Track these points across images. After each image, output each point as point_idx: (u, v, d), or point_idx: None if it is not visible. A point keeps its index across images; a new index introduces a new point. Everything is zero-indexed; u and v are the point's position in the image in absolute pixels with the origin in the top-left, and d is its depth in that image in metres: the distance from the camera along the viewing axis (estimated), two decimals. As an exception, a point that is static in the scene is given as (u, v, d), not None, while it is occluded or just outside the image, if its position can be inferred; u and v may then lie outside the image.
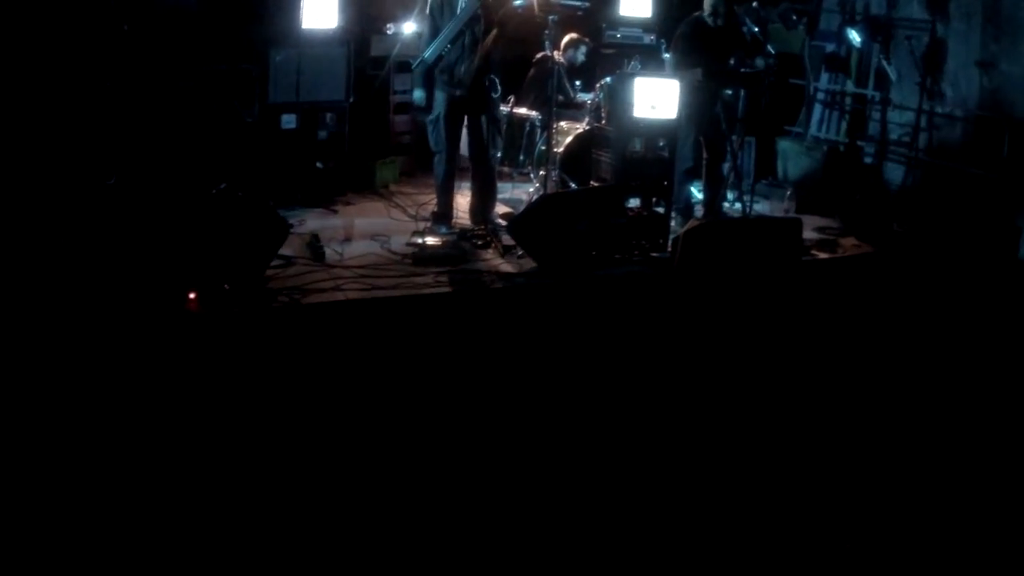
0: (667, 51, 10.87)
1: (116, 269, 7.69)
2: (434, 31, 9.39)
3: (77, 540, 5.49)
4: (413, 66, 9.77)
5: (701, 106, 10.25)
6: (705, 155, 10.50)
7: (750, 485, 6.58)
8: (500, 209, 10.22)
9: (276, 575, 5.42)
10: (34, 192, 8.14)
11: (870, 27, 12.27)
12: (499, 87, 9.61)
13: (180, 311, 7.59)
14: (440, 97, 9.52)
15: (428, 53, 9.31)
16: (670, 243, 9.39)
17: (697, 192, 10.93)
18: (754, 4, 11.60)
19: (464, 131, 9.83)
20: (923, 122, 11.58)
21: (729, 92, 10.70)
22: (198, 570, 5.40)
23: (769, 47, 10.88)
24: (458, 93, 9.36)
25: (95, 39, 9.10)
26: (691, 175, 10.56)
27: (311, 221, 9.81)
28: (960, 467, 6.95)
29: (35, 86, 8.68)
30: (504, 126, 10.43)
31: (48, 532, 5.53)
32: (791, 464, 6.86)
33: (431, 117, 9.68)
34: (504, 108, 10.64)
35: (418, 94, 9.85)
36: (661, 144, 10.13)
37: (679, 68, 10.28)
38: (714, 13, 10.28)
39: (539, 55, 11.17)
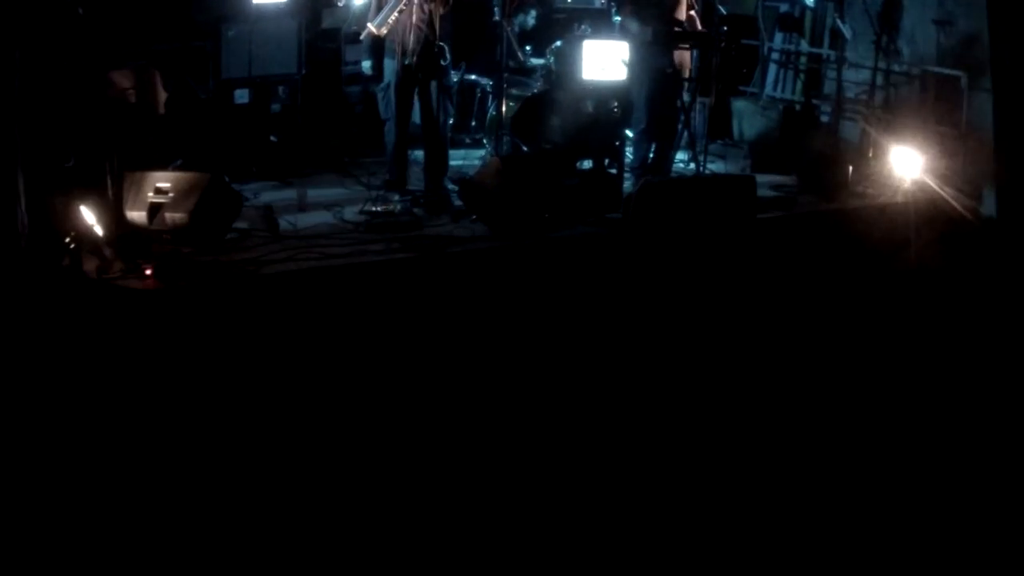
0: (617, 14, 10.88)
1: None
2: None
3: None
4: (361, 36, 9.79)
5: (653, 65, 10.27)
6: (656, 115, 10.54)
7: (705, 443, 6.66)
8: (453, 175, 10.24)
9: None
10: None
11: (824, -14, 12.33)
12: (448, 55, 9.63)
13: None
14: (390, 65, 9.54)
15: (376, 21, 9.34)
16: (623, 203, 9.44)
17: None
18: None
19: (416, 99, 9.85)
20: (879, 80, 11.61)
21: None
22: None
23: (721, 8, 10.93)
24: (407, 61, 9.38)
25: (51, 23, 9.09)
26: (648, 135, 10.58)
27: (265, 194, 9.82)
28: (922, 425, 7.03)
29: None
30: (455, 93, 10.47)
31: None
32: (747, 425, 6.93)
33: (381, 86, 9.72)
34: (454, 74, 10.69)
35: (366, 63, 9.88)
36: (612, 106, 10.18)
37: (636, 23, 10.28)
38: None
39: (489, 21, 11.19)
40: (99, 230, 7.89)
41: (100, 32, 9.24)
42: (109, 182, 8.20)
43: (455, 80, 10.72)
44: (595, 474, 6.33)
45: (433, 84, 9.58)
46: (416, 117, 9.90)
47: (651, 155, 10.65)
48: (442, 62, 9.56)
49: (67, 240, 7.76)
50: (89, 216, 7.87)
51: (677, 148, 10.79)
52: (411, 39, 9.33)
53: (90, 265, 7.84)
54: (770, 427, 6.96)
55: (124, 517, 5.69)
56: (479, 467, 6.35)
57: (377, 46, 9.58)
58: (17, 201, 7.71)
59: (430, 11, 9.27)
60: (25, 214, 7.72)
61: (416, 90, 9.62)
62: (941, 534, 5.99)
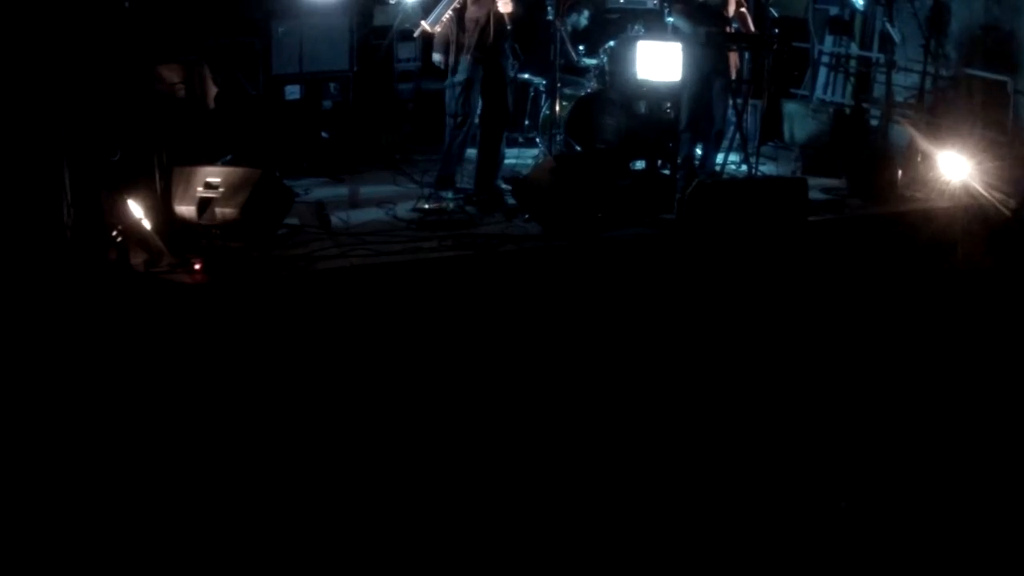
0: (670, 15, 10.83)
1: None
2: None
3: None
4: (415, 34, 9.77)
5: (701, 66, 10.19)
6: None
7: (756, 452, 6.58)
8: (506, 174, 10.21)
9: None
10: (39, 171, 8.14)
11: (873, -10, 12.26)
12: (520, 53, 9.62)
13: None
14: (464, 62, 9.45)
15: (430, 19, 9.30)
16: (676, 203, 9.37)
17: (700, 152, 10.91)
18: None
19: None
20: (928, 84, 11.54)
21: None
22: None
23: (772, 11, 10.86)
24: (481, 57, 9.36)
25: (97, 16, 9.11)
26: (689, 134, 10.52)
27: (317, 190, 9.86)
28: (967, 427, 6.93)
29: (38, 65, 8.69)
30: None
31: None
32: (798, 432, 6.85)
33: (454, 80, 9.53)
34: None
35: (437, 56, 9.76)
36: (665, 106, 10.13)
37: (688, 25, 10.21)
38: None
39: (543, 20, 11.16)
40: (147, 224, 7.87)
41: (147, 26, 9.26)
42: (157, 176, 8.20)
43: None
44: (637, 476, 6.26)
45: (502, 82, 9.59)
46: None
47: (698, 152, 10.61)
48: (512, 59, 9.55)
49: (114, 234, 7.74)
50: (136, 210, 7.86)
51: (729, 150, 10.71)
52: (489, 37, 9.30)
53: (138, 259, 7.84)
54: (819, 429, 6.88)
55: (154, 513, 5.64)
56: (521, 466, 6.27)
57: (446, 40, 9.50)
58: (63, 194, 7.72)
59: (507, 9, 9.24)
60: (71, 207, 7.72)
61: (483, 88, 9.58)
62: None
